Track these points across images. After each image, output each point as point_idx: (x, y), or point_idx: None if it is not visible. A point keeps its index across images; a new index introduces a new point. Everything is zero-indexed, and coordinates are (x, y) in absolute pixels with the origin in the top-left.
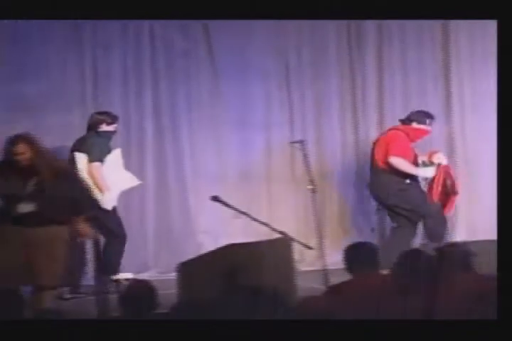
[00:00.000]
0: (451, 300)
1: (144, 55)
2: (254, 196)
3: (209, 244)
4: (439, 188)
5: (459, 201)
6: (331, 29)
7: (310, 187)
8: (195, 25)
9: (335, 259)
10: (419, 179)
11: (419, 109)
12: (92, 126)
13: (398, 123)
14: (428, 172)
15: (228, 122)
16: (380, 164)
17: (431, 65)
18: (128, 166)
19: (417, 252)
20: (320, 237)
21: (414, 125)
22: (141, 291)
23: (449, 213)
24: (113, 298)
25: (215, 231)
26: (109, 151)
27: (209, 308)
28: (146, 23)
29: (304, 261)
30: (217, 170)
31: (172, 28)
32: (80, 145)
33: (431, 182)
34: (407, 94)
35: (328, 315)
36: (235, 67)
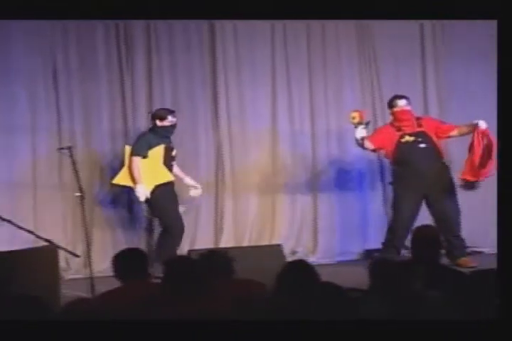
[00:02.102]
0: (216, 305)
1: None
2: (18, 203)
3: None
4: (479, 151)
5: (226, 207)
6: (99, 28)
7: (78, 194)
8: None
9: (102, 267)
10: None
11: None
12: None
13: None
14: (356, 133)
15: None
16: None
17: (199, 67)
18: None
19: (182, 258)
20: (87, 245)
21: (390, 110)
22: None
23: (485, 176)
24: None
25: None
26: (150, 147)
27: None
28: None
29: (70, 269)
30: None
31: None
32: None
33: (470, 145)
34: (177, 95)
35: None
36: None
